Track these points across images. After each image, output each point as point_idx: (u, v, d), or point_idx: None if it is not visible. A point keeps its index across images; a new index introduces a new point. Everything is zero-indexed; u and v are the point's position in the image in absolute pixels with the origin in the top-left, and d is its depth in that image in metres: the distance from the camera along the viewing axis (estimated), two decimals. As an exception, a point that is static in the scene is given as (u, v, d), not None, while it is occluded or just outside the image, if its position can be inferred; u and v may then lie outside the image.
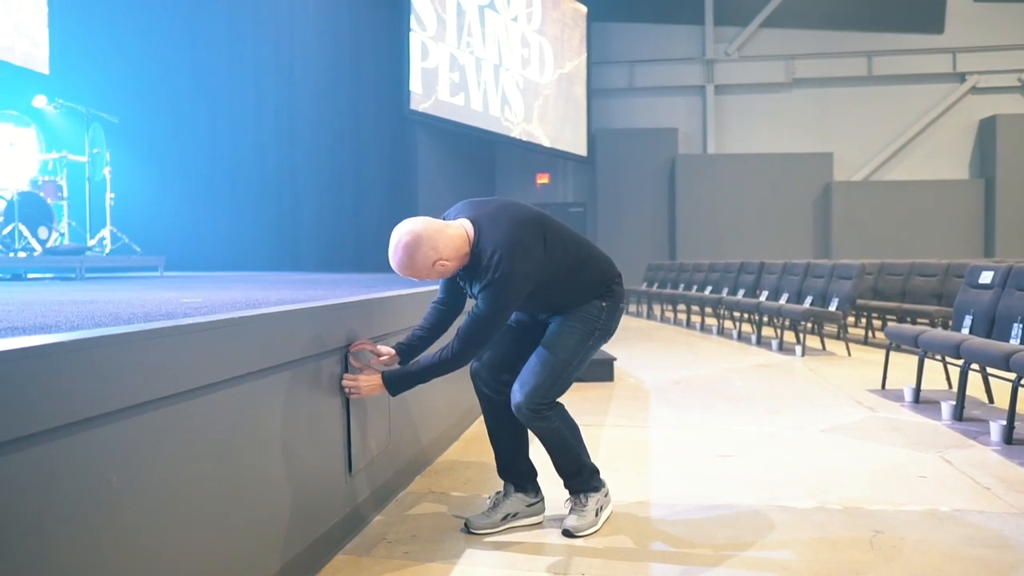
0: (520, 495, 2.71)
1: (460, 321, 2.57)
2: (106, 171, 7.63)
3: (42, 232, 6.89)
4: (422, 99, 11.23)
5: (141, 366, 1.55)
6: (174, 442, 1.68)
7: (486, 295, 2.37)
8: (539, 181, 15.81)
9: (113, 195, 7.59)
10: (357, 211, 10.87)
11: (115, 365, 1.47)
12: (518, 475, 2.73)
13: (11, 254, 6.42)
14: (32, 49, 8.79)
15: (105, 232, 7.45)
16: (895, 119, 15.02)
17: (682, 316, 10.79)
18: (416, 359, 2.56)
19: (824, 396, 5.17)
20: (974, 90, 14.87)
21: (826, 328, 8.18)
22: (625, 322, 11.20)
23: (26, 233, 6.55)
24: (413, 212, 11.20)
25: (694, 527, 2.67)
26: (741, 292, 9.40)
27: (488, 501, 2.74)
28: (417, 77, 11.06)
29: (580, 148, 15.06)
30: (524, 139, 13.67)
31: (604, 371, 5.71)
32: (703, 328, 9.80)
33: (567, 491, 2.72)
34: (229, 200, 9.83)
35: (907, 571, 2.28)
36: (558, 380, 2.54)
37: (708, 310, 10.06)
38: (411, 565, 2.33)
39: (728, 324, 9.47)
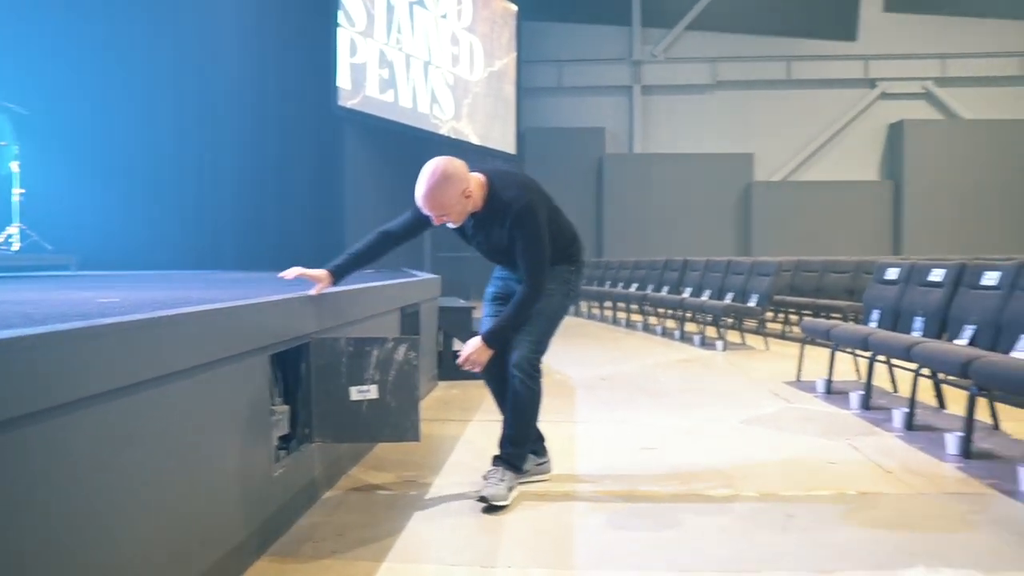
0: (531, 455, 3.03)
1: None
2: (14, 165, 7.30)
3: (-59, 229, 6.56)
4: (350, 95, 11.10)
5: (54, 369, 1.50)
6: (82, 446, 1.61)
7: (520, 229, 2.75)
8: (469, 179, 15.80)
9: (23, 190, 7.26)
10: (281, 209, 10.65)
11: (24, 369, 1.43)
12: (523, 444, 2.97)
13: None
14: (-69, 36, 8.33)
15: (13, 229, 7.13)
16: (812, 122, 15.64)
17: (608, 313, 10.99)
18: (502, 317, 2.87)
19: (743, 389, 5.37)
20: (884, 96, 15.61)
21: (746, 323, 8.47)
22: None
23: (-74, 230, 6.23)
24: (339, 210, 11.19)
25: (617, 517, 2.75)
26: (665, 289, 9.64)
27: (494, 473, 2.84)
28: (345, 73, 10.93)
29: (509, 146, 15.14)
30: (453, 137, 13.66)
31: (533, 367, 5.77)
32: (629, 324, 10.00)
33: (497, 459, 2.92)
34: (147, 196, 9.49)
35: (817, 551, 2.41)
36: (544, 338, 2.89)
37: (634, 307, 10.28)
38: (338, 564, 2.33)
39: (653, 320, 9.70)
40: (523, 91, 15.35)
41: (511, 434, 2.93)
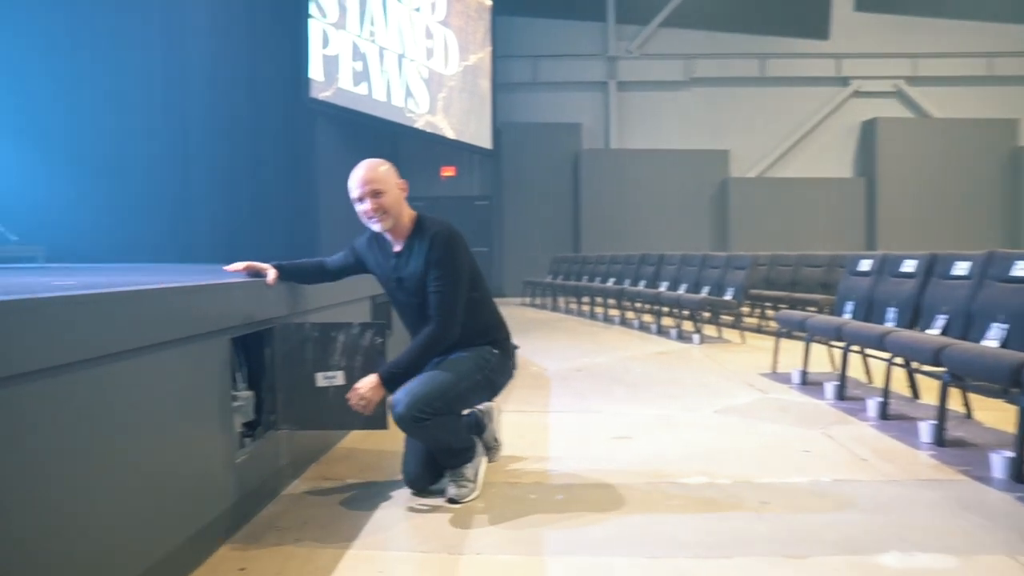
0: (476, 438, 2.88)
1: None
2: (-24, 155, 7.10)
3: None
4: (323, 87, 10.95)
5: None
6: (35, 422, 1.55)
7: (437, 258, 2.61)
8: (444, 174, 15.69)
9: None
10: (253, 201, 10.47)
11: None
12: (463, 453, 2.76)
13: None
14: None
15: (-25, 220, 6.94)
16: (786, 119, 15.71)
17: (586, 307, 10.96)
18: (401, 354, 2.66)
19: (719, 381, 5.35)
20: (856, 94, 15.72)
21: (722, 317, 8.48)
22: (530, 314, 11.33)
23: None
24: (313, 202, 11.04)
25: (588, 505, 2.69)
26: (642, 283, 9.62)
27: (454, 477, 2.71)
28: (318, 65, 10.78)
29: (485, 141, 15.06)
30: (428, 131, 13.56)
31: (507, 359, 5.72)
32: (606, 319, 9.98)
33: (447, 471, 2.78)
34: (117, 189, 9.28)
35: (791, 536, 2.38)
36: (443, 395, 2.58)
37: (611, 301, 10.26)
38: (302, 551, 2.26)
39: (630, 314, 9.68)
40: (499, 86, 15.27)
41: (443, 455, 2.74)
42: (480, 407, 3.05)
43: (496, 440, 3.13)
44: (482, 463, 2.84)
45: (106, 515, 1.77)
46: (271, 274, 2.72)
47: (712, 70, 15.64)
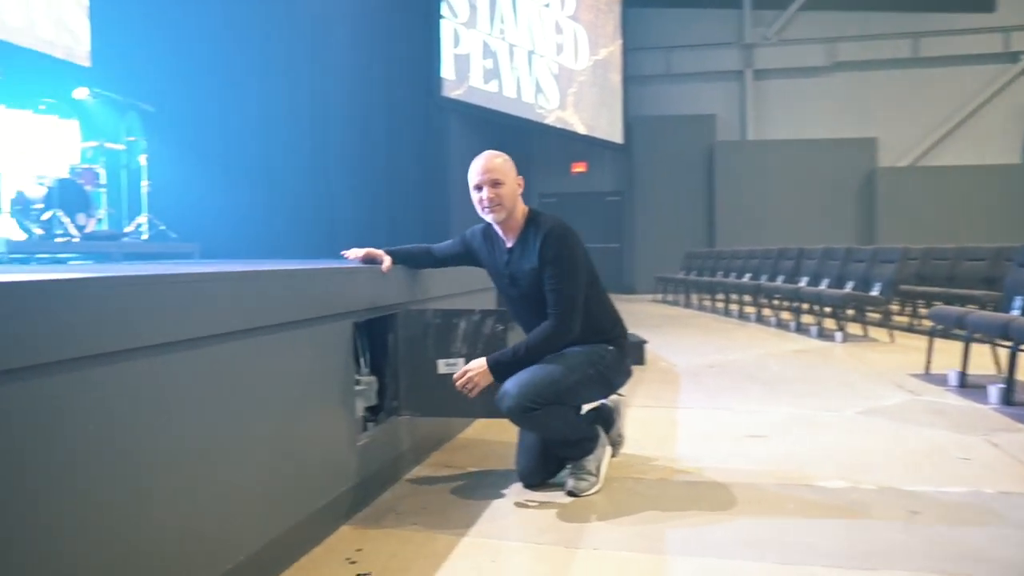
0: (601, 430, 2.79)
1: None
2: (142, 159, 7.70)
3: (80, 219, 6.97)
4: (454, 86, 11.16)
5: (139, 310, 1.52)
6: (177, 390, 1.64)
7: (553, 255, 2.55)
8: (575, 170, 15.63)
9: (149, 182, 7.66)
10: (390, 199, 10.84)
11: (101, 308, 1.44)
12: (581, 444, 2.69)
13: (56, 239, 6.53)
14: (73, 43, 8.95)
15: (142, 219, 7.52)
16: (943, 102, 14.49)
17: (720, 304, 10.57)
18: (517, 344, 2.62)
19: (863, 380, 4.97)
20: (1028, 71, 14.28)
21: (868, 314, 7.91)
22: (661, 310, 11.05)
23: (64, 220, 6.64)
24: (445, 200, 11.26)
25: (716, 504, 2.54)
26: (780, 278, 9.15)
27: (576, 470, 2.65)
28: (449, 64, 10.99)
29: (616, 136, 14.85)
30: (559, 126, 13.52)
31: (633, 354, 5.56)
32: (741, 316, 9.57)
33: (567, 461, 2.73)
34: (263, 188, 9.86)
35: (946, 552, 2.13)
36: (552, 386, 2.50)
37: (747, 297, 9.83)
38: (419, 536, 2.25)
39: (766, 311, 9.23)
40: (630, 79, 15.01)
41: (559, 446, 2.67)
42: (610, 401, 2.97)
43: (621, 436, 3.03)
44: (605, 456, 2.74)
45: (228, 489, 1.83)
46: (386, 261, 2.74)
47: (857, 53, 14.66)
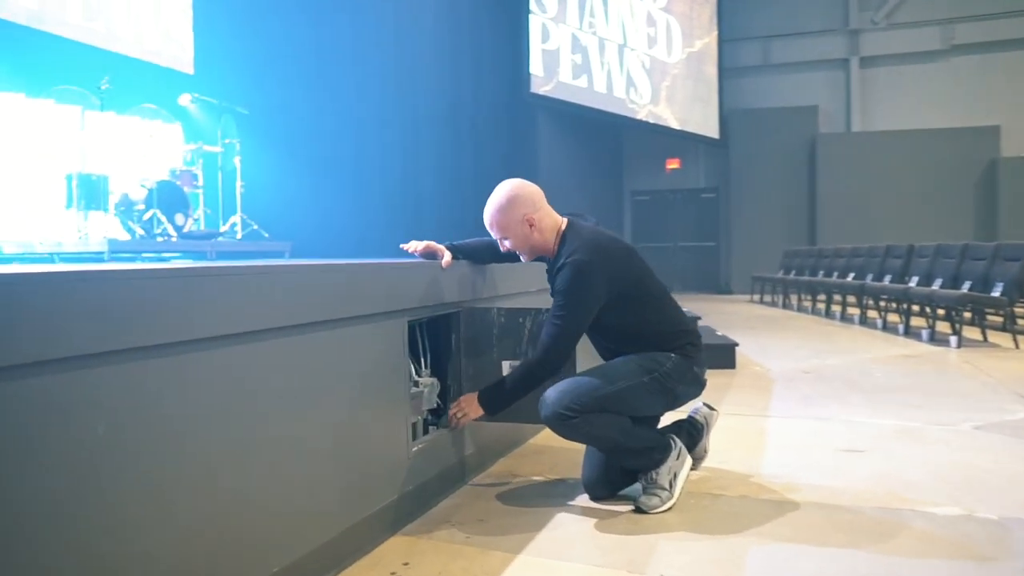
0: (673, 440, 2.55)
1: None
2: (236, 160, 7.92)
3: (178, 218, 7.22)
4: (543, 82, 11.01)
5: (179, 306, 1.48)
6: (216, 389, 1.59)
7: (560, 286, 2.38)
8: (669, 166, 15.21)
9: (243, 183, 7.86)
10: (477, 197, 10.68)
11: (141, 302, 1.42)
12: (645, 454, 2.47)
13: (157, 239, 6.79)
14: (178, 52, 9.35)
15: (236, 218, 7.73)
16: (1076, 86, 13.27)
17: (820, 305, 9.99)
18: (504, 377, 2.53)
19: (981, 391, 4.50)
20: None
21: (988, 317, 7.25)
22: (758, 311, 10.55)
23: (163, 219, 6.88)
24: (534, 198, 11.13)
25: (804, 528, 2.27)
26: (887, 278, 8.54)
27: (647, 484, 2.46)
28: (537, 59, 10.85)
29: (712, 130, 14.33)
30: (651, 121, 13.16)
31: (724, 357, 5.27)
32: (843, 318, 9.01)
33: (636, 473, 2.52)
34: (353, 187, 10.00)
35: (1081, 597, 1.81)
36: (593, 393, 2.33)
37: (850, 298, 9.24)
38: (471, 551, 2.10)
39: (872, 313, 8.63)
40: (726, 71, 14.45)
41: (618, 456, 2.47)
42: (699, 414, 2.75)
43: (706, 451, 2.79)
44: (682, 469, 2.50)
45: (269, 493, 1.74)
46: (446, 256, 2.59)
47: (977, 34, 13.58)
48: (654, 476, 2.43)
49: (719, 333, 5.96)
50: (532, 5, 10.71)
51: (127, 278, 1.40)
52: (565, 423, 2.34)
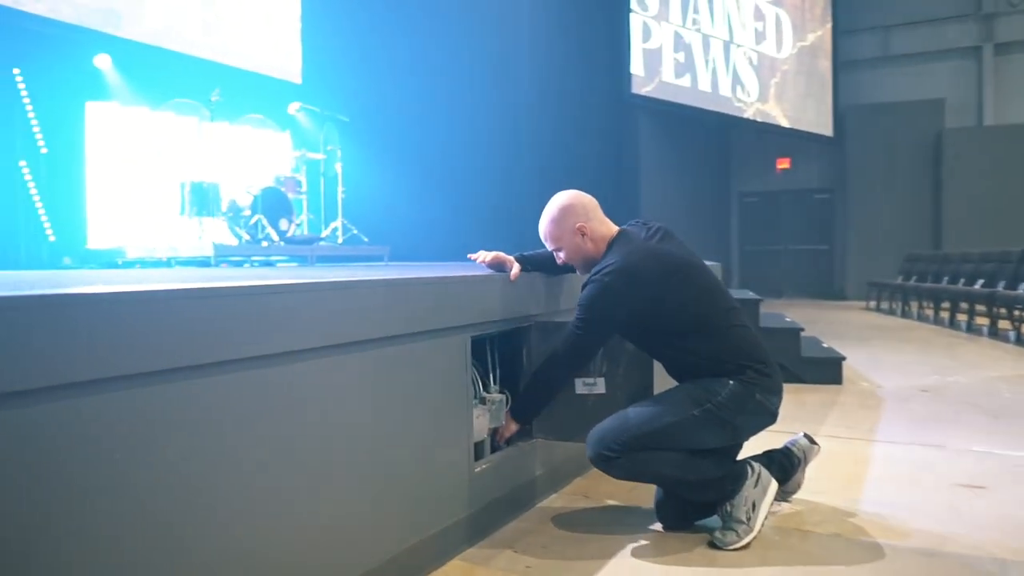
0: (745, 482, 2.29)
1: None
2: (338, 167, 8.11)
3: (282, 224, 7.46)
4: (644, 82, 10.75)
5: (227, 325, 1.46)
6: (275, 404, 1.57)
7: (580, 300, 2.29)
8: (779, 166, 14.56)
9: (344, 189, 8.04)
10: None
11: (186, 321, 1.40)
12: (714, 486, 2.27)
13: (263, 243, 7.04)
14: (287, 62, 9.72)
15: (337, 223, 7.91)
16: None
17: (944, 314, 9.25)
18: (525, 386, 2.50)
19: None
20: None
21: None
22: (873, 319, 9.89)
23: (266, 225, 7.12)
24: (636, 203, 10.87)
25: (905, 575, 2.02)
26: (1022, 286, 7.79)
27: (727, 519, 2.27)
28: (638, 59, 10.60)
29: (825, 128, 13.61)
30: (760, 120, 12.62)
31: (829, 371, 4.91)
32: (970, 328, 8.30)
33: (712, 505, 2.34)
34: (453, 192, 10.07)
35: None
36: (634, 430, 2.19)
37: (979, 307, 8.50)
38: (529, 584, 1.98)
39: (1003, 324, 7.90)
40: (841, 65, 13.68)
41: (683, 490, 2.30)
42: (797, 445, 2.52)
43: (799, 485, 2.55)
44: (763, 501, 2.28)
45: (318, 514, 1.69)
46: (515, 268, 2.49)
47: None
48: (729, 509, 2.23)
49: (825, 344, 5.57)
50: (633, 4, 10.48)
51: (196, 297, 1.41)
52: (609, 464, 2.21)
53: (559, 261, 2.49)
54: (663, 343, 2.34)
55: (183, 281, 1.63)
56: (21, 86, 7.11)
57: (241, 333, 1.48)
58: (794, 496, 2.56)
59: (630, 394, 2.47)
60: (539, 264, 2.61)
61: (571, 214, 2.37)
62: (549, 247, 2.47)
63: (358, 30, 9.71)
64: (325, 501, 1.70)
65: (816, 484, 2.72)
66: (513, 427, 2.49)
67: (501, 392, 2.60)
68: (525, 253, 2.59)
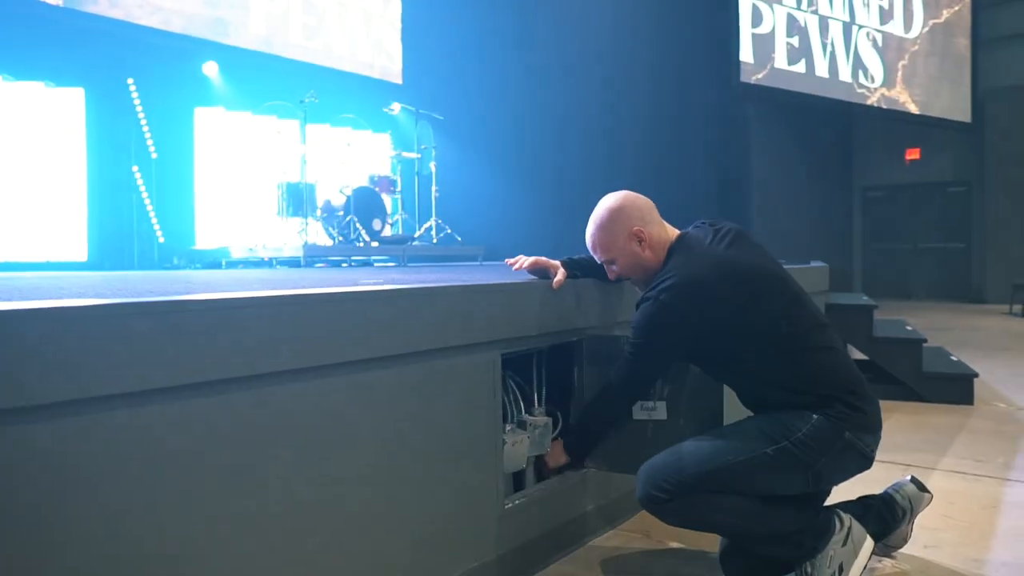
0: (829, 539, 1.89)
1: None
2: (432, 166, 8.02)
3: (375, 223, 7.43)
4: (754, 70, 10.09)
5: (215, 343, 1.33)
6: (254, 437, 1.40)
7: (634, 322, 1.97)
8: (908, 157, 13.45)
9: (438, 188, 7.94)
10: (683, 201, 10.08)
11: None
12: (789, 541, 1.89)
13: (359, 243, 7.04)
14: (388, 63, 9.77)
15: (431, 223, 7.82)
16: None
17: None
18: (576, 420, 2.25)
19: None
20: None
21: None
22: (1014, 326, 8.86)
23: (358, 225, 7.09)
24: (745, 202, 10.25)
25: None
26: None
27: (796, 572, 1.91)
28: (747, 46, 9.96)
29: (962, 114, 12.40)
30: (885, 107, 11.64)
31: (956, 390, 4.29)
32: None
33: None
34: (550, 191, 9.82)
35: None
36: (688, 469, 1.82)
37: None
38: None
39: None
40: (982, 43, 12.41)
41: (750, 543, 1.91)
42: (902, 491, 2.05)
43: (905, 539, 2.11)
44: (854, 561, 1.86)
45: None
46: (559, 274, 2.17)
47: None
48: (810, 570, 1.83)
49: (954, 357, 4.90)
50: (741, -13, 9.85)
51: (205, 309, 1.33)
52: (660, 507, 1.83)
53: (611, 276, 2.16)
54: (734, 370, 1.97)
55: (187, 293, 1.51)
56: (134, 95, 7.42)
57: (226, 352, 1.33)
58: (899, 551, 2.12)
59: (695, 422, 2.12)
60: (590, 269, 2.27)
61: (625, 217, 2.03)
62: (599, 259, 2.12)
63: (456, 29, 9.62)
64: (318, 549, 1.49)
65: (930, 535, 2.26)
66: (563, 459, 2.20)
67: (548, 414, 2.30)
68: (574, 257, 2.27)
